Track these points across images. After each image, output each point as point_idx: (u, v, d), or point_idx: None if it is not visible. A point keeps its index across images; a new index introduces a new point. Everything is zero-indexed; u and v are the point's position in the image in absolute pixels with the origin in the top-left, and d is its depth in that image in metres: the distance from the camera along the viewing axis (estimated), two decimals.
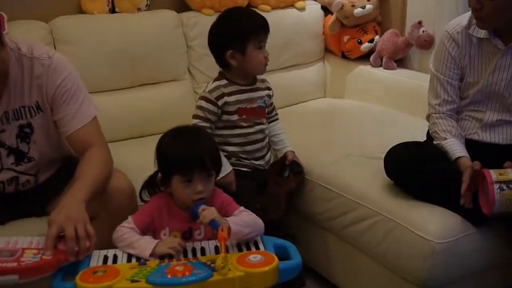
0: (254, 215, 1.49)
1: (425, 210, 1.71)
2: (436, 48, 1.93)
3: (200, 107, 1.90)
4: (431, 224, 1.66)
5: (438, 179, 1.71)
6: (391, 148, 1.80)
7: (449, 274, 1.67)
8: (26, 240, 1.40)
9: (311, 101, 2.86)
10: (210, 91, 1.91)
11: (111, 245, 1.58)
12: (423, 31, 2.57)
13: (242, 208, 1.52)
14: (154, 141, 2.39)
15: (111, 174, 1.66)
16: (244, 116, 1.93)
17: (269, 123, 2.06)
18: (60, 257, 1.34)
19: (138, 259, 1.38)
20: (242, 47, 1.86)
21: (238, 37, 1.86)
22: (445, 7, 2.48)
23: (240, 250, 1.41)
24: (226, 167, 1.87)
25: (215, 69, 2.00)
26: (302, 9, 2.82)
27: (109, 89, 2.41)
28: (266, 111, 2.02)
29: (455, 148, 1.76)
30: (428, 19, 2.57)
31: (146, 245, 1.41)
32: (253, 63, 1.89)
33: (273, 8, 2.74)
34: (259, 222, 1.47)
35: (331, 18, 2.80)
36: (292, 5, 2.81)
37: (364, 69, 2.78)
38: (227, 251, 1.35)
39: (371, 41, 2.74)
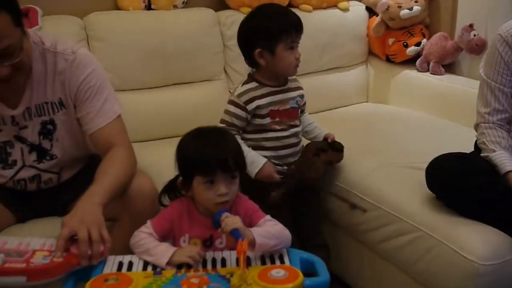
0: (281, 225, 1.39)
1: (470, 228, 1.59)
2: (488, 52, 1.79)
3: (227, 112, 1.83)
4: (476, 244, 1.54)
5: (485, 194, 1.59)
6: (435, 158, 1.69)
7: None
8: (39, 241, 1.35)
9: (352, 105, 2.78)
10: (239, 95, 1.83)
11: (130, 249, 1.52)
12: (474, 35, 2.46)
13: (268, 217, 1.42)
14: None
15: (133, 175, 1.60)
16: (277, 119, 1.84)
17: None
18: (72, 260, 1.28)
19: (154, 267, 1.31)
20: (272, 46, 1.77)
21: (268, 35, 1.77)
22: (499, 9, 2.37)
23: (263, 263, 1.31)
24: (260, 160, 1.79)
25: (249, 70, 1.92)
26: (345, 9, 2.74)
27: (141, 87, 2.37)
28: (299, 112, 1.93)
29: (505, 161, 1.63)
30: (480, 22, 2.46)
31: (163, 252, 1.33)
32: (282, 64, 1.80)
33: (315, 8, 2.67)
34: (286, 234, 1.37)
35: (376, 20, 2.71)
36: (335, 6, 2.73)
37: (410, 74, 2.68)
38: (248, 264, 1.27)
39: (418, 44, 2.64)
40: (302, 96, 1.93)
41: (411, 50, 2.64)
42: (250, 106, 1.80)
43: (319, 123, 2.08)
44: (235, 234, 1.28)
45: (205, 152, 1.37)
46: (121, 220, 1.61)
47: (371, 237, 1.85)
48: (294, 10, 2.32)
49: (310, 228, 1.94)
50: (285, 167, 1.88)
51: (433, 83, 2.56)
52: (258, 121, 1.83)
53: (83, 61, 1.61)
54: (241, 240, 1.23)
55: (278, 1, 2.51)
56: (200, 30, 2.43)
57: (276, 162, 1.87)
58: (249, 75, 1.88)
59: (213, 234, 1.40)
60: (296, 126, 1.90)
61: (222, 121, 1.83)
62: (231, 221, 1.30)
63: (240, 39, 1.86)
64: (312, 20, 2.57)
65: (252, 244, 1.26)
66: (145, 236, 1.39)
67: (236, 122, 1.81)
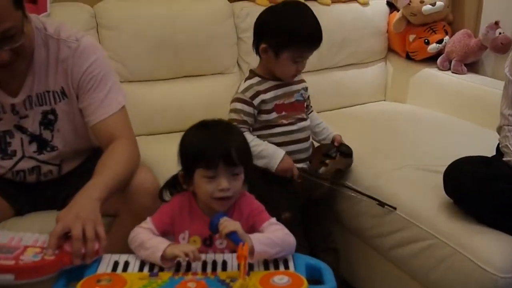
0: (286, 231, 1.30)
1: (489, 237, 1.52)
2: None
3: (234, 110, 1.77)
4: (496, 255, 1.47)
5: (507, 202, 1.51)
6: (454, 162, 1.62)
7: None
8: (32, 237, 1.29)
9: (369, 103, 2.70)
10: (243, 91, 1.77)
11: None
12: (500, 33, 2.39)
13: (273, 220, 1.34)
14: None
15: (135, 170, 1.54)
16: (283, 113, 1.79)
17: None
18: (64, 259, 1.21)
19: (151, 268, 1.24)
20: (278, 50, 1.71)
21: (278, 38, 1.70)
22: None
23: (266, 267, 1.24)
24: (279, 153, 1.74)
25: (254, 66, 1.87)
26: (365, 4, 2.66)
27: (151, 79, 2.32)
28: (305, 105, 1.87)
29: None
30: (506, 19, 2.40)
31: (157, 244, 1.26)
32: (281, 70, 1.76)
33: (334, 2, 2.60)
34: (290, 240, 1.29)
35: (397, 15, 2.64)
36: (355, 0, 2.65)
37: (430, 72, 2.60)
38: (250, 268, 1.20)
39: (440, 41, 2.57)
40: (306, 89, 1.88)
41: (433, 47, 2.57)
42: (256, 101, 1.76)
43: (334, 121, 2.03)
44: (233, 238, 1.21)
45: (208, 144, 1.30)
46: (122, 216, 1.57)
47: (383, 242, 1.78)
48: (311, 3, 2.28)
49: (320, 231, 1.88)
50: (295, 164, 1.81)
51: (454, 82, 2.49)
52: (264, 116, 1.78)
53: (87, 49, 1.55)
54: (242, 244, 1.16)
55: None
56: (213, 21, 2.37)
57: None
58: (251, 71, 1.84)
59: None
60: (304, 119, 1.84)
61: (232, 120, 1.76)
62: (230, 223, 1.23)
63: (255, 25, 1.80)
64: (330, 14, 2.51)
65: (250, 251, 1.19)
66: (142, 230, 1.33)
67: (246, 118, 1.75)
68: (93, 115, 1.56)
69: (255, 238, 1.22)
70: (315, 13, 1.76)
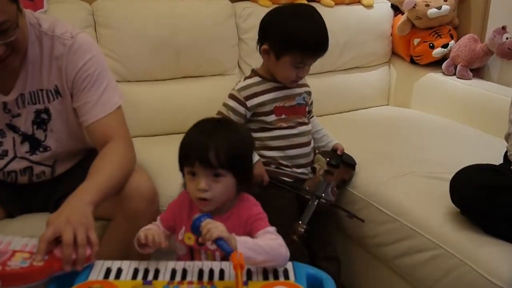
0: (280, 241, 1.23)
1: (497, 249, 1.47)
2: None
3: (225, 105, 1.74)
4: (503, 266, 1.42)
5: None
6: (460, 170, 1.57)
7: None
8: (21, 241, 1.24)
9: (372, 108, 2.68)
10: (240, 90, 1.74)
11: (126, 251, 1.44)
12: (507, 38, 2.36)
13: (270, 228, 1.27)
14: None
15: (130, 172, 1.50)
16: (283, 116, 1.74)
17: None
18: (53, 265, 1.16)
19: (144, 276, 1.19)
20: (279, 53, 1.66)
21: (281, 41, 1.65)
22: None
23: (265, 277, 1.19)
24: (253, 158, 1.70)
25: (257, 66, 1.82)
26: (369, 6, 2.63)
27: (149, 79, 2.28)
28: (307, 110, 1.83)
29: None
30: None
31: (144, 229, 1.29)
32: (281, 73, 1.71)
33: (337, 4, 2.57)
34: (282, 252, 1.21)
35: (401, 18, 2.62)
36: (358, 2, 2.64)
37: (435, 77, 2.57)
38: (249, 278, 1.16)
39: (445, 46, 2.54)
40: (309, 93, 1.83)
41: (438, 52, 2.54)
42: (251, 102, 1.71)
43: (336, 125, 2.00)
44: (220, 245, 1.15)
45: (189, 141, 1.28)
46: (116, 220, 1.53)
47: (386, 252, 1.73)
48: (315, 4, 2.24)
49: (320, 239, 1.82)
50: (295, 169, 1.78)
51: (459, 88, 2.45)
52: (263, 118, 1.74)
53: (82, 46, 1.50)
54: (235, 254, 1.10)
55: None
56: (214, 21, 2.33)
57: (285, 163, 1.77)
58: (253, 70, 1.80)
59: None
60: (305, 124, 1.80)
61: (218, 113, 1.75)
62: (213, 227, 1.16)
63: (260, 24, 1.75)
64: (334, 16, 2.48)
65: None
66: (149, 226, 1.33)
67: (232, 116, 1.71)
68: (88, 114, 1.51)
69: (241, 241, 1.16)
70: None
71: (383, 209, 1.74)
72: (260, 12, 2.36)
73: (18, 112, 1.51)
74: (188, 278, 1.17)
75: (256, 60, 2.33)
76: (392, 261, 1.71)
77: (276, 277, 1.19)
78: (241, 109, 1.71)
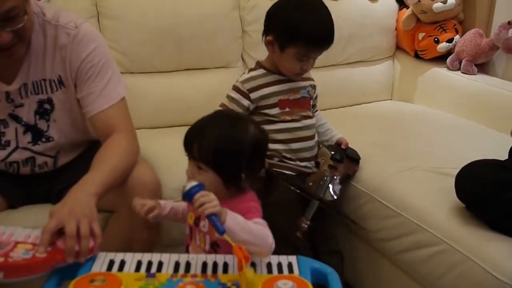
0: (268, 232, 1.21)
1: (502, 245, 1.44)
2: None
3: (229, 97, 1.73)
4: (508, 262, 1.39)
5: None
6: (465, 165, 1.55)
7: None
8: (24, 232, 1.22)
9: (375, 102, 2.64)
10: (244, 81, 1.73)
11: (128, 244, 1.47)
12: None
13: (259, 220, 1.24)
14: None
15: (134, 164, 1.49)
16: (287, 109, 1.73)
17: None
18: (56, 256, 1.15)
19: (148, 269, 1.17)
20: (283, 44, 1.65)
21: (285, 32, 1.64)
22: None
23: (269, 271, 1.17)
24: None
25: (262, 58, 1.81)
26: (374, 0, 2.59)
27: (152, 71, 2.26)
28: (311, 104, 1.81)
29: None
30: None
31: None
32: (285, 65, 1.70)
33: None
34: (268, 241, 1.19)
35: (406, 12, 2.58)
36: None
37: (439, 72, 2.54)
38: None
39: (450, 40, 2.51)
40: (313, 87, 1.82)
41: (442, 46, 2.51)
42: (254, 95, 1.70)
43: (339, 119, 1.98)
44: (213, 221, 1.12)
45: (188, 129, 1.30)
46: (119, 212, 1.52)
47: (390, 247, 1.72)
48: None
49: (323, 233, 1.82)
50: (298, 162, 1.76)
51: (464, 83, 2.42)
52: (266, 111, 1.72)
53: (87, 37, 1.49)
54: (238, 246, 1.08)
55: None
56: (218, 13, 2.30)
57: (288, 156, 1.75)
58: (257, 62, 1.79)
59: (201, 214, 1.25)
60: (309, 117, 1.78)
61: (221, 105, 1.74)
62: (207, 200, 1.13)
63: (266, 15, 1.73)
64: (338, 9, 2.42)
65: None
66: None
67: (235, 108, 1.71)
68: (91, 105, 1.50)
69: (232, 216, 1.15)
70: None
71: (387, 204, 1.72)
72: (264, 4, 2.32)
73: (21, 102, 1.50)
74: (192, 271, 1.16)
75: (260, 53, 2.31)
76: (395, 256, 1.70)
77: (280, 270, 1.17)
78: (244, 101, 1.70)
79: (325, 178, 1.76)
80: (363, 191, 1.81)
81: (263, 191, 1.34)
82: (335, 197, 1.75)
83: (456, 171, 1.56)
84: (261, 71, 1.73)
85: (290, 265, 1.19)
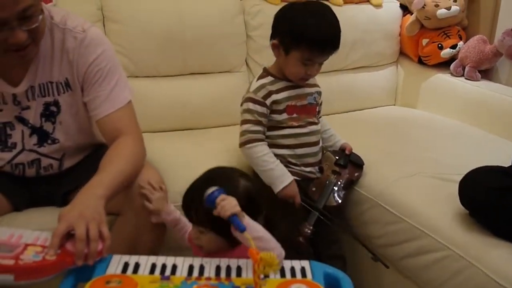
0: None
1: (506, 251, 1.45)
2: None
3: (248, 110, 1.71)
4: None
5: None
6: (469, 172, 1.56)
7: None
8: (33, 234, 1.22)
9: (378, 108, 2.65)
10: (255, 91, 1.72)
11: (134, 246, 1.46)
12: None
13: None
14: (199, 135, 2.27)
15: (141, 167, 1.49)
16: (294, 115, 1.74)
17: None
18: (66, 259, 1.15)
19: (162, 271, 1.18)
20: (288, 48, 1.66)
21: (290, 35, 1.64)
22: None
23: (282, 275, 1.18)
24: (288, 177, 1.69)
25: (269, 65, 1.80)
26: (378, 6, 2.61)
27: (157, 74, 2.27)
28: (317, 110, 1.82)
29: None
30: None
31: None
32: (289, 69, 1.70)
33: (346, 3, 2.55)
34: (278, 245, 1.21)
35: (410, 18, 2.59)
36: (367, 1, 2.62)
37: (443, 78, 2.55)
38: (266, 276, 1.14)
39: (454, 47, 2.51)
40: (319, 93, 1.82)
41: (446, 52, 2.51)
42: (268, 101, 1.71)
43: (343, 124, 1.98)
44: (233, 221, 1.15)
45: (184, 193, 1.31)
46: (124, 215, 1.51)
47: (393, 252, 1.72)
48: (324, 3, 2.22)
49: (327, 238, 1.81)
50: (303, 168, 1.77)
51: (468, 89, 2.43)
52: (275, 117, 1.73)
53: (94, 41, 1.49)
54: (254, 249, 1.10)
55: None
56: (222, 18, 2.31)
57: (293, 161, 1.76)
58: (264, 69, 1.78)
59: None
60: (315, 123, 1.79)
61: (245, 121, 1.71)
62: (228, 204, 1.17)
63: (274, 18, 1.73)
64: (342, 15, 2.35)
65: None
66: None
67: (261, 119, 1.70)
68: (99, 109, 1.50)
69: (250, 220, 1.18)
70: None
71: (390, 209, 1.72)
72: (269, 9, 2.37)
73: (27, 105, 1.50)
74: (206, 274, 1.16)
75: (264, 58, 2.33)
76: (398, 262, 1.70)
77: (293, 275, 1.18)
78: (263, 110, 1.70)
79: (329, 183, 1.77)
80: (367, 197, 1.82)
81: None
82: (340, 202, 1.76)
83: (459, 177, 1.57)
84: (269, 78, 1.73)
85: (303, 270, 1.20)
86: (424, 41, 2.55)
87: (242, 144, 1.71)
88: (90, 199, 1.26)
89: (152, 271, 1.18)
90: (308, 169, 1.78)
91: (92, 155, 1.65)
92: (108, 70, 1.50)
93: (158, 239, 1.55)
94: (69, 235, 1.18)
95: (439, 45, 2.52)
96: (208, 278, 1.15)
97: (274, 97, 1.70)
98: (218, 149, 1.93)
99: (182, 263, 1.20)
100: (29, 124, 1.52)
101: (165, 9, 2.23)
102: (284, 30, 1.66)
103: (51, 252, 1.14)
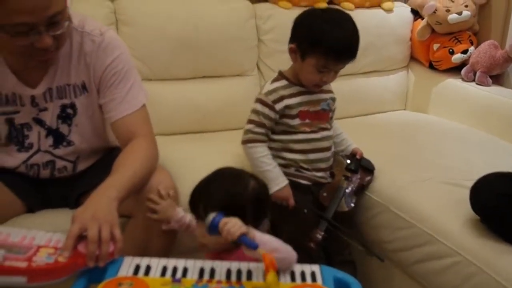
0: (287, 245, 1.24)
1: None
2: None
3: (255, 111, 1.72)
4: None
5: None
6: (480, 178, 1.56)
7: None
8: (45, 236, 1.23)
9: (389, 112, 2.63)
10: (267, 94, 1.72)
11: (145, 249, 1.47)
12: None
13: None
14: (210, 139, 2.28)
15: (154, 169, 1.50)
16: (307, 120, 1.73)
17: None
18: (77, 261, 1.16)
19: (173, 274, 1.19)
20: (304, 53, 1.65)
21: (305, 41, 1.64)
22: None
23: (293, 279, 1.19)
24: (282, 180, 1.70)
25: (285, 68, 1.80)
26: (389, 10, 2.60)
27: (169, 78, 2.27)
28: (330, 116, 1.82)
29: None
30: None
31: None
32: (305, 75, 1.70)
33: (357, 7, 2.54)
34: (289, 248, 1.22)
35: (421, 23, 2.57)
36: (378, 5, 2.61)
37: (453, 83, 2.53)
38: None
39: (465, 52, 2.50)
40: (333, 99, 1.82)
41: (457, 57, 2.50)
42: (279, 106, 1.70)
43: (353, 129, 1.97)
44: (245, 241, 1.15)
45: (192, 191, 1.33)
46: (136, 218, 1.52)
47: (403, 257, 1.72)
48: (335, 7, 2.22)
49: (337, 243, 1.80)
50: (314, 173, 1.77)
51: (479, 94, 2.41)
52: (287, 121, 1.72)
53: (111, 44, 1.51)
54: (266, 254, 1.10)
55: None
56: (234, 22, 2.32)
57: (305, 166, 1.75)
58: (280, 73, 1.77)
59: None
60: (327, 129, 1.79)
61: (250, 121, 1.73)
62: (232, 226, 1.16)
63: (293, 23, 1.73)
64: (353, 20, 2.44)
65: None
66: None
67: (265, 121, 1.71)
68: (114, 111, 1.51)
69: (258, 233, 1.19)
70: None
71: (401, 214, 1.72)
72: (280, 14, 2.40)
73: (45, 106, 1.52)
74: (216, 277, 1.17)
75: (275, 62, 2.35)
76: (409, 267, 1.69)
77: (303, 279, 1.18)
78: (271, 113, 1.70)
79: (340, 188, 1.77)
80: (377, 201, 1.81)
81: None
82: (351, 207, 1.76)
83: (470, 183, 1.56)
84: (283, 82, 1.73)
85: (313, 274, 1.20)
86: (435, 46, 2.54)
87: (243, 142, 1.74)
88: (103, 200, 1.26)
89: (163, 273, 1.19)
90: (319, 174, 1.78)
91: (105, 157, 1.66)
92: (124, 73, 1.51)
93: (169, 242, 1.56)
94: (81, 237, 1.19)
95: (450, 50, 2.50)
96: (219, 282, 1.15)
97: (286, 102, 1.70)
98: (230, 152, 1.93)
99: (193, 265, 1.21)
100: (46, 125, 1.54)
101: (178, 12, 2.24)
102: (301, 36, 1.66)
103: (66, 254, 1.15)
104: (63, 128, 1.56)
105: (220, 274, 1.18)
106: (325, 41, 1.61)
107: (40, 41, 1.31)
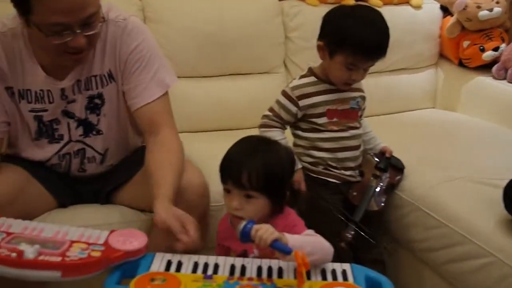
0: (321, 238, 1.24)
1: None
2: None
3: (278, 102, 1.73)
4: None
5: None
6: None
7: None
8: (77, 231, 1.25)
9: (418, 110, 2.60)
10: (293, 88, 1.71)
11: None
12: None
13: (309, 231, 1.27)
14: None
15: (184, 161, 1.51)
16: (334, 119, 1.71)
17: None
18: (110, 256, 1.18)
19: (204, 270, 1.19)
20: (332, 51, 1.64)
21: (333, 38, 1.63)
22: None
23: (324, 278, 1.18)
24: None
25: (315, 64, 1.78)
26: (418, 7, 2.57)
27: (196, 75, 2.28)
28: (359, 115, 1.79)
29: None
30: None
31: None
32: (333, 73, 1.68)
33: (385, 4, 2.52)
34: (325, 245, 1.22)
35: (451, 20, 2.54)
36: (407, 2, 2.58)
37: (484, 81, 2.49)
38: (308, 278, 1.14)
39: (496, 49, 2.46)
40: (363, 98, 1.79)
41: (488, 55, 2.46)
42: (303, 102, 1.69)
43: (382, 127, 1.95)
44: (278, 247, 1.15)
45: (226, 160, 1.30)
46: None
47: (435, 257, 1.69)
48: (364, 4, 2.20)
49: (367, 241, 1.78)
50: (343, 171, 1.75)
51: (510, 92, 2.37)
52: (314, 120, 1.71)
53: (135, 28, 1.52)
54: (297, 253, 1.10)
55: None
56: (261, 19, 2.32)
57: (334, 165, 1.74)
58: (309, 69, 1.76)
59: (247, 249, 1.29)
60: (356, 128, 1.76)
61: (270, 109, 1.74)
62: (265, 232, 1.16)
63: (322, 20, 1.72)
64: None
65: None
66: None
67: (283, 114, 1.70)
68: (137, 98, 1.52)
69: (289, 235, 1.18)
70: None
71: (432, 214, 1.70)
72: (307, 10, 2.39)
73: (73, 98, 1.53)
74: (247, 274, 1.17)
75: (302, 59, 2.34)
76: (441, 267, 1.67)
77: (334, 277, 1.18)
78: (293, 108, 1.69)
79: (370, 187, 1.75)
80: (407, 200, 1.79)
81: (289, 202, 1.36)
82: (382, 205, 1.74)
83: (502, 183, 1.54)
84: (312, 78, 1.72)
85: (344, 273, 1.19)
86: (465, 43, 2.51)
87: (259, 126, 1.75)
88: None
89: (194, 270, 1.19)
90: (348, 172, 1.76)
91: (133, 155, 1.68)
92: (148, 59, 1.51)
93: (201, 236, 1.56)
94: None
95: (481, 48, 2.47)
96: (250, 279, 1.16)
97: (312, 100, 1.69)
98: None
99: (224, 262, 1.21)
100: (76, 117, 1.55)
101: (205, 10, 2.25)
102: (329, 33, 1.65)
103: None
104: (92, 118, 1.57)
105: (251, 271, 1.18)
106: (352, 38, 1.59)
107: (74, 41, 1.33)
